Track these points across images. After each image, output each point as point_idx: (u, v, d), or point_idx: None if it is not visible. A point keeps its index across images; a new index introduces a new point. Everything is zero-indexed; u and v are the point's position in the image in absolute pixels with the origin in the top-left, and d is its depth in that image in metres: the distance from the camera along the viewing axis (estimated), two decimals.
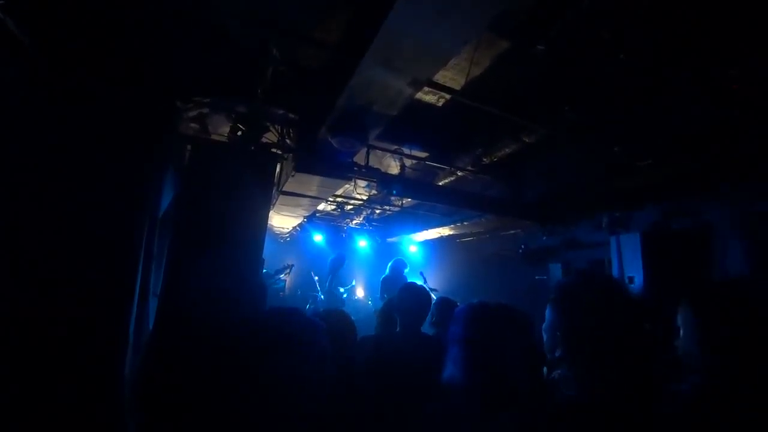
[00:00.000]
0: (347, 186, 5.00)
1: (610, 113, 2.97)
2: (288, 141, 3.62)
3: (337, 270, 7.12)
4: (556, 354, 1.16)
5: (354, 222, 7.93)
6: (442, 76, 2.81)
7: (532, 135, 3.35)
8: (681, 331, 1.22)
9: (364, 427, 1.63)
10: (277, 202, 4.92)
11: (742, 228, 3.07)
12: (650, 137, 3.10)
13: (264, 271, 5.57)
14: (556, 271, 4.82)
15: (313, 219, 7.13)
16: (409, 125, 3.52)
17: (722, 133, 2.81)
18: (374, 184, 4.65)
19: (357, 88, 2.48)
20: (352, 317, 2.14)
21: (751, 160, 2.91)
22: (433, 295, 2.90)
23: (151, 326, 2.48)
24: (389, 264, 5.99)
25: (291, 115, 3.38)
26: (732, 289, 1.18)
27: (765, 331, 1.07)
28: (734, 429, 1.02)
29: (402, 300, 2.24)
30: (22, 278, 1.88)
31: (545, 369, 1.27)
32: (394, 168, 4.51)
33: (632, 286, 3.48)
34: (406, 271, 6.00)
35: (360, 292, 8.47)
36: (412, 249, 8.83)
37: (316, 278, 7.74)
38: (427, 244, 8.60)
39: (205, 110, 3.17)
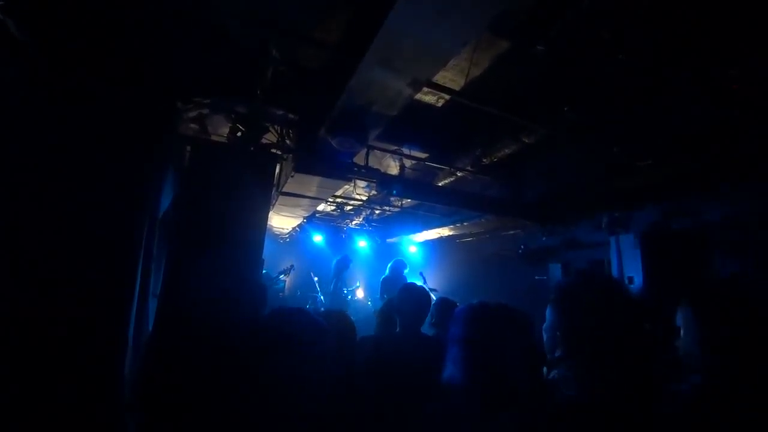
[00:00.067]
0: (347, 186, 5.00)
1: (610, 113, 2.97)
2: (288, 141, 3.63)
3: (342, 272, 7.13)
4: (556, 354, 1.16)
5: (354, 222, 7.93)
6: (442, 77, 2.81)
7: (531, 135, 3.35)
8: (681, 331, 1.22)
9: (364, 427, 1.62)
10: (277, 203, 4.92)
11: (742, 228, 3.07)
12: (650, 137, 3.10)
13: (264, 272, 5.58)
14: (555, 271, 4.82)
15: (312, 219, 7.13)
16: (408, 126, 3.52)
17: (722, 133, 2.81)
18: (374, 185, 4.65)
19: (357, 88, 2.48)
20: (352, 317, 2.14)
21: (751, 160, 2.91)
22: (432, 296, 2.90)
23: (150, 326, 2.48)
24: (389, 264, 5.99)
25: (291, 116, 3.38)
26: (732, 289, 1.18)
27: (765, 331, 1.07)
28: (734, 429, 1.02)
29: (402, 300, 2.24)
30: (22, 278, 1.88)
31: (545, 369, 1.27)
32: (393, 168, 4.51)
33: (632, 286, 3.49)
34: (406, 271, 6.00)
35: (360, 293, 8.47)
36: (412, 249, 8.83)
37: (316, 279, 7.73)
38: (427, 244, 8.60)
39: (205, 111, 3.17)
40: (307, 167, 3.65)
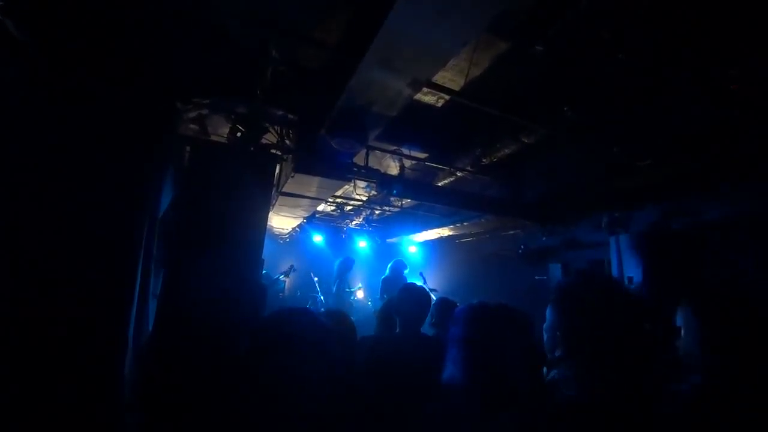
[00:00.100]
0: (347, 187, 5.00)
1: (610, 113, 2.97)
2: (287, 142, 3.62)
3: (345, 273, 7.13)
4: (556, 354, 1.16)
5: (354, 223, 7.92)
6: (442, 77, 2.81)
7: (531, 135, 3.35)
8: (682, 331, 1.22)
9: (364, 427, 1.62)
10: (277, 203, 4.92)
11: (742, 228, 3.07)
12: (650, 137, 3.10)
13: (264, 272, 5.58)
14: (555, 271, 4.83)
15: (312, 220, 7.13)
16: (408, 126, 3.52)
17: (722, 133, 2.81)
18: (374, 185, 4.64)
19: (356, 88, 2.48)
20: (353, 318, 2.14)
21: (751, 160, 2.91)
22: (432, 296, 2.90)
23: (150, 327, 2.48)
24: (389, 265, 5.99)
25: (290, 116, 3.38)
26: (732, 289, 1.18)
27: (765, 331, 1.07)
28: (734, 429, 1.02)
29: (402, 300, 2.24)
30: (22, 278, 1.88)
31: (545, 369, 1.27)
32: (393, 168, 4.51)
33: (632, 286, 3.49)
34: (406, 271, 6.00)
35: (360, 293, 8.48)
36: (412, 249, 8.83)
37: (316, 279, 7.74)
38: (427, 244, 8.60)
39: (205, 111, 3.17)
40: (306, 167, 3.64)
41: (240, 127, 2.95)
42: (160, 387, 2.09)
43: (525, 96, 3.03)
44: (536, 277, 5.36)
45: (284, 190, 4.30)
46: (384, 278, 5.83)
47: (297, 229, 7.61)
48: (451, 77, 2.84)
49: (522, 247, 5.31)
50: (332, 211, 7.01)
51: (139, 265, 2.23)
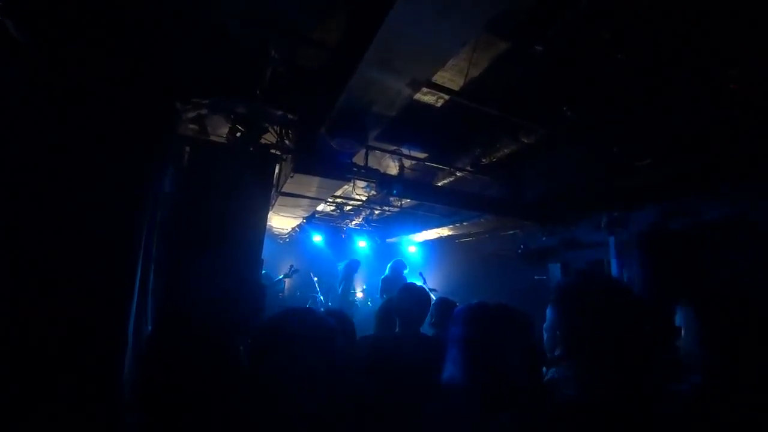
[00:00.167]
0: (346, 187, 5.00)
1: (610, 113, 2.97)
2: (287, 142, 3.62)
3: (351, 275, 7.14)
4: (556, 353, 1.16)
5: (353, 222, 7.92)
6: (441, 77, 2.81)
7: (531, 135, 3.35)
8: (682, 331, 1.22)
9: (364, 427, 1.62)
10: (277, 203, 4.92)
11: (742, 228, 3.07)
12: (650, 137, 3.10)
13: (264, 272, 5.57)
14: (555, 271, 4.83)
15: (312, 220, 7.12)
16: (408, 126, 3.52)
17: (722, 133, 2.81)
18: (373, 185, 4.65)
19: (356, 88, 2.48)
20: (352, 318, 2.14)
21: (751, 160, 2.91)
22: (432, 296, 2.90)
23: (150, 326, 2.48)
24: (389, 264, 5.99)
25: (290, 116, 3.38)
26: (732, 289, 1.18)
27: (765, 331, 1.07)
28: (734, 429, 1.02)
29: (401, 300, 2.24)
30: (22, 278, 1.88)
31: (545, 368, 1.27)
32: (393, 168, 4.51)
33: (632, 286, 3.48)
34: (406, 271, 6.00)
35: (359, 293, 8.48)
36: (412, 249, 8.82)
37: (316, 279, 7.74)
38: (427, 244, 8.60)
39: (205, 111, 3.17)
40: (306, 167, 3.64)
41: (240, 127, 2.96)
42: (160, 387, 2.09)
43: (525, 96, 3.02)
44: (536, 277, 5.36)
45: (284, 190, 4.30)
46: (384, 278, 5.83)
47: (297, 229, 7.61)
48: (450, 77, 2.84)
49: (522, 247, 5.31)
50: (332, 211, 7.00)
51: (139, 265, 2.23)
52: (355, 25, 2.33)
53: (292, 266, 6.65)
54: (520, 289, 5.36)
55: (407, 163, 4.43)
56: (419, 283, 3.95)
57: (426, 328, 2.35)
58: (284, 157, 3.77)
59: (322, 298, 7.63)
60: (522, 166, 4.52)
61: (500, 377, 1.13)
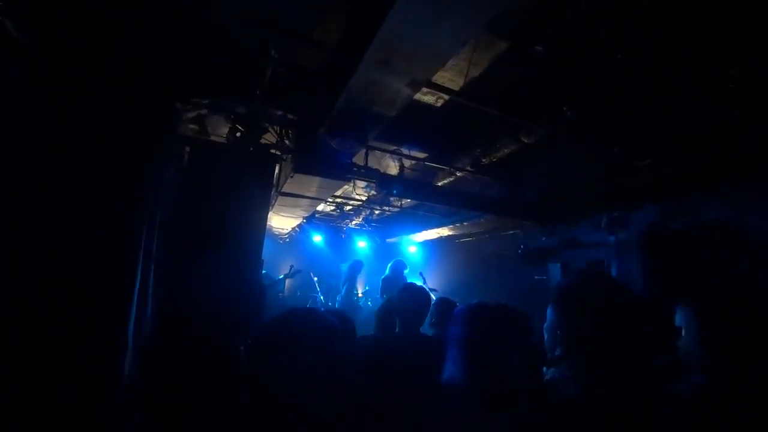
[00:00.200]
0: (346, 187, 5.00)
1: (610, 113, 2.97)
2: (287, 142, 3.62)
3: (354, 276, 7.15)
4: (556, 353, 1.16)
5: (353, 222, 7.92)
6: (441, 77, 2.81)
7: (531, 135, 3.35)
8: (682, 331, 1.22)
9: (364, 427, 1.62)
10: (276, 203, 4.92)
11: (742, 228, 3.07)
12: (650, 137, 3.10)
13: (264, 272, 5.56)
14: (555, 271, 4.83)
15: (312, 220, 7.12)
16: (408, 126, 3.52)
17: (722, 133, 2.81)
18: (373, 185, 4.65)
19: (356, 88, 2.48)
20: (353, 319, 2.14)
21: (751, 160, 2.91)
22: (432, 296, 2.90)
23: (150, 326, 2.48)
24: (389, 264, 5.99)
25: (290, 116, 3.38)
26: (732, 289, 1.18)
27: (765, 331, 1.07)
28: (734, 429, 1.02)
29: (401, 300, 2.24)
30: (22, 278, 1.88)
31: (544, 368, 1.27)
32: (393, 168, 4.51)
33: (632, 286, 3.48)
34: (406, 271, 6.00)
35: (360, 294, 8.48)
36: (412, 249, 8.82)
37: (316, 279, 7.74)
38: (427, 244, 8.60)
39: (205, 111, 3.17)
40: (306, 167, 3.65)
41: (239, 127, 2.96)
42: (160, 387, 2.09)
43: (525, 96, 3.02)
44: (536, 277, 5.36)
45: (284, 190, 4.30)
46: (384, 278, 5.83)
47: (297, 229, 7.61)
48: (450, 77, 2.84)
49: (521, 246, 5.31)
50: (332, 211, 7.01)
51: (139, 265, 2.23)
52: (355, 25, 2.33)
53: (292, 266, 6.64)
54: (520, 289, 5.35)
55: (407, 163, 4.43)
56: (419, 283, 3.95)
57: (426, 328, 2.35)
58: (284, 157, 3.77)
59: (322, 298, 7.63)
60: (522, 166, 4.52)
61: (500, 377, 1.13)
